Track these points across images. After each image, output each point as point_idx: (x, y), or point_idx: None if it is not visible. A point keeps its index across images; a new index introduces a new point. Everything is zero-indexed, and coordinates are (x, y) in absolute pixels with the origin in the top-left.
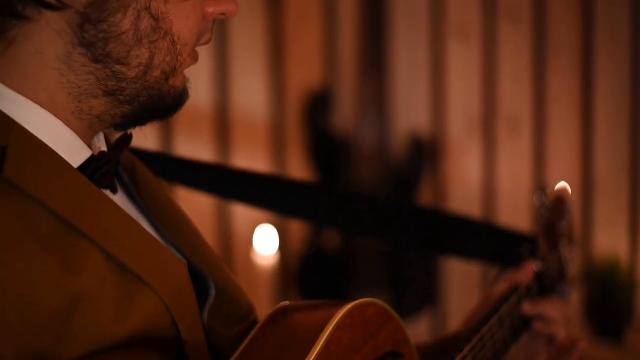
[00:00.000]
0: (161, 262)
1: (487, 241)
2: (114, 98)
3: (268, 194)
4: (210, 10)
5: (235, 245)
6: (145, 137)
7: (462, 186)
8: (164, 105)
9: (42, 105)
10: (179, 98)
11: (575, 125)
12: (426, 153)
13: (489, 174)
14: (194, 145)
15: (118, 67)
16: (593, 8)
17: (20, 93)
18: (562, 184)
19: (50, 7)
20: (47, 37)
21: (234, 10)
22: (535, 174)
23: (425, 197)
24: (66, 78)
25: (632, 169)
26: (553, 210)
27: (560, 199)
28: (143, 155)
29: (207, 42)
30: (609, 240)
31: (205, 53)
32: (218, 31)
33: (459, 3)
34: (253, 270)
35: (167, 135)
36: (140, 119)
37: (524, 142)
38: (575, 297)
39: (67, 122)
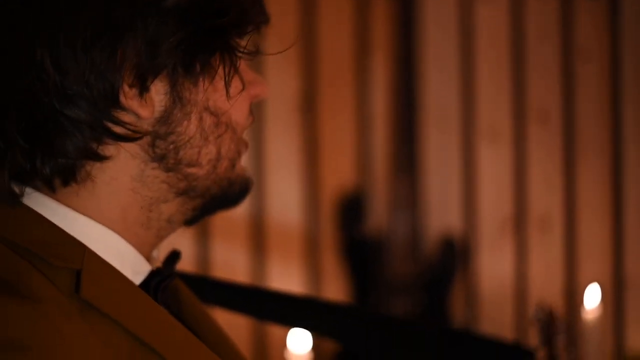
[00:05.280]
0: None
1: (491, 355)
2: (185, 197)
3: (301, 317)
4: (253, 92)
5: (269, 346)
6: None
7: (494, 285)
8: (233, 193)
9: (113, 224)
10: (245, 184)
11: (605, 224)
12: (458, 252)
13: (520, 273)
14: (230, 250)
15: (190, 169)
16: (621, 108)
17: (91, 217)
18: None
19: (127, 139)
20: (121, 164)
21: (267, 92)
22: (566, 273)
23: (457, 296)
24: (140, 194)
25: None
26: (549, 325)
27: (554, 314)
28: (181, 277)
29: (251, 124)
30: None
31: None
32: (253, 133)
33: (489, 104)
34: None
35: (204, 239)
36: (209, 210)
37: (555, 242)
38: None
39: (135, 236)
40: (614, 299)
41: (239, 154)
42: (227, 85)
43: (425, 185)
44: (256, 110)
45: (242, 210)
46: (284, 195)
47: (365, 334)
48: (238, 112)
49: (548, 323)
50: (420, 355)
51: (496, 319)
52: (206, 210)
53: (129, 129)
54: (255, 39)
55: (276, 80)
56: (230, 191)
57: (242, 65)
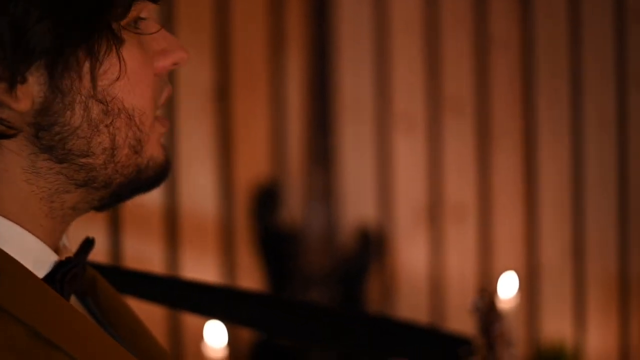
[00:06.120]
0: None
1: (428, 345)
2: (87, 187)
3: (216, 305)
4: (160, 65)
5: (185, 339)
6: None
7: (410, 275)
8: (146, 178)
9: (15, 216)
10: (161, 168)
11: (519, 213)
12: (374, 243)
13: (436, 262)
14: (143, 242)
15: (84, 160)
16: (534, 98)
17: None
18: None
19: (3, 136)
20: (10, 157)
21: (184, 57)
22: (481, 262)
23: (373, 287)
24: (35, 185)
25: (575, 256)
26: (487, 313)
27: (492, 303)
28: (94, 267)
29: (168, 97)
30: (555, 327)
31: None
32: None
33: (404, 94)
34: None
35: (116, 231)
36: (121, 197)
37: (470, 231)
38: None
39: (39, 227)
40: (529, 287)
41: (139, 140)
42: (100, 70)
43: (340, 176)
44: (169, 101)
45: (155, 201)
46: (198, 187)
47: (284, 321)
48: (133, 95)
49: (487, 311)
50: (353, 343)
51: (412, 309)
52: (117, 198)
53: (4, 125)
54: (143, 11)
55: (189, 71)
56: (141, 177)
57: (153, 35)
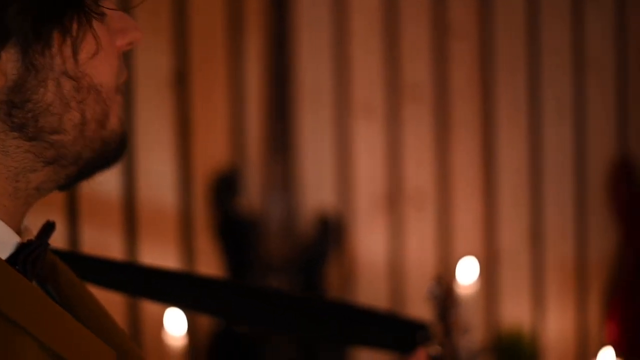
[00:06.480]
0: (93, 353)
1: (386, 330)
2: (54, 166)
3: (174, 291)
4: (119, 44)
5: (145, 327)
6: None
7: (369, 262)
8: (110, 151)
9: None
10: (121, 139)
11: (478, 199)
12: (333, 230)
13: (395, 249)
14: (102, 230)
15: (54, 137)
16: (493, 86)
17: None
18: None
19: None
20: None
21: (139, 37)
22: (440, 249)
23: (332, 274)
24: (2, 164)
25: (534, 242)
26: (444, 300)
27: (449, 289)
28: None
29: (126, 76)
30: (514, 311)
31: None
32: (123, 111)
33: (363, 82)
34: (164, 351)
35: (73, 220)
36: (85, 174)
37: (429, 217)
38: None
39: (2, 209)
40: (488, 273)
41: (106, 114)
42: (76, 47)
43: (299, 163)
44: (126, 87)
45: (113, 189)
46: (156, 174)
47: (242, 307)
48: (101, 72)
49: (444, 298)
50: (312, 329)
51: (372, 296)
52: (82, 174)
53: None
54: None
55: (147, 56)
56: (106, 151)
57: (111, 13)
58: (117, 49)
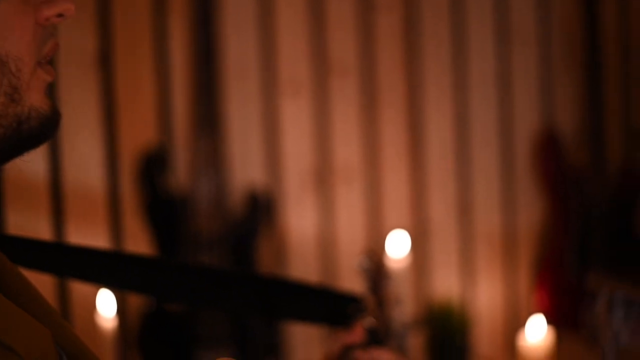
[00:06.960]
0: (28, 332)
1: (318, 304)
2: None
3: (103, 271)
4: (45, 14)
5: (75, 308)
6: None
7: (300, 237)
8: (30, 129)
9: None
10: (47, 120)
11: (406, 172)
12: (263, 207)
13: (325, 225)
14: (28, 213)
15: None
16: (419, 60)
17: None
18: (393, 233)
19: None
20: None
21: (70, 9)
22: (371, 223)
23: (264, 251)
24: None
25: (461, 212)
26: (375, 273)
27: (380, 262)
28: None
29: (54, 50)
30: (445, 283)
31: None
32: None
33: (289, 59)
34: (96, 333)
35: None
36: (8, 153)
37: (359, 192)
38: (419, 339)
39: None
40: (418, 245)
41: (16, 88)
42: None
43: (227, 140)
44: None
45: (39, 171)
46: (82, 155)
47: (172, 284)
48: (7, 41)
49: (375, 271)
50: (244, 304)
51: (303, 271)
52: (4, 155)
53: None
54: None
55: (70, 36)
56: (23, 129)
57: None
58: (39, 20)
